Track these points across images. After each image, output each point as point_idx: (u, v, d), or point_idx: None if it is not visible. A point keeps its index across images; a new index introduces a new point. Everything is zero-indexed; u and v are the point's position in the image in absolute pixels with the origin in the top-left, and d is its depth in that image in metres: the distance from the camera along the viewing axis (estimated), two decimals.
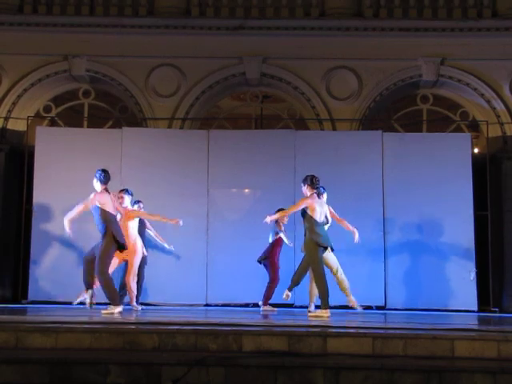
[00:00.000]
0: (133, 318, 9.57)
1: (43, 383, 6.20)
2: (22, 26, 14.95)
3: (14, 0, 15.22)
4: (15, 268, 13.32)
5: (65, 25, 14.95)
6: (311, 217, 9.92)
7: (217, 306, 12.21)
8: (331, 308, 11.46)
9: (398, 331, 8.16)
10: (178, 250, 12.71)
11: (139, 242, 11.01)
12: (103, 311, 9.88)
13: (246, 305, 11.46)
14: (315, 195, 10.11)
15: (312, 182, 10.10)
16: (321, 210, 10.07)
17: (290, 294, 10.49)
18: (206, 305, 12.71)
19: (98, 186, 10.22)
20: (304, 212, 10.06)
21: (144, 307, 11.58)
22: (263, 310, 11.30)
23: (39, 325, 8.09)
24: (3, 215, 13.89)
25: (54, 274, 13.00)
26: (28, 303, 12.93)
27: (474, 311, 12.88)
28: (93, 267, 10.12)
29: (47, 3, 15.17)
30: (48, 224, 13.34)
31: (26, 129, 14.87)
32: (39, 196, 13.55)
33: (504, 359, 6.96)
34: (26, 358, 6.70)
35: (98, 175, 10.25)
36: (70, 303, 12.32)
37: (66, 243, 13.08)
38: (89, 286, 10.57)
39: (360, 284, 12.82)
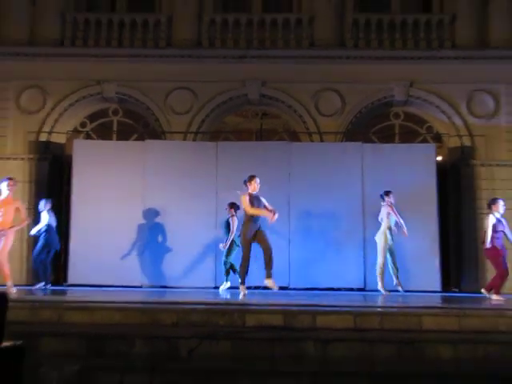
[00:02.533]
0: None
1: (81, 355, 6.22)
2: (62, 56, 14.94)
3: (56, 35, 15.22)
4: (56, 256, 13.28)
5: (98, 55, 14.93)
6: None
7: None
8: (321, 290, 11.50)
9: (375, 309, 8.20)
10: (191, 240, 12.70)
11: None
12: None
13: (249, 287, 11.41)
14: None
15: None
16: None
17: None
18: (215, 287, 12.68)
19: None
20: None
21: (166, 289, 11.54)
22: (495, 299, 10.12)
23: (77, 304, 8.16)
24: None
25: (89, 260, 13.01)
26: (67, 286, 12.94)
27: (438, 291, 12.88)
28: None
29: (83, 37, 15.19)
30: (84, 219, 13.36)
31: (65, 141, 14.88)
32: (76, 196, 13.59)
33: (464, 332, 7.00)
34: (67, 332, 6.76)
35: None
36: (103, 285, 12.38)
37: (99, 234, 13.10)
38: None
39: (344, 269, 12.91)
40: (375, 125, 15.36)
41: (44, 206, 12.28)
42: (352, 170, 13.47)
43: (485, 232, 10.42)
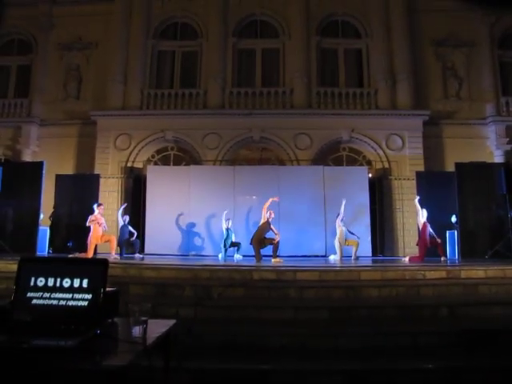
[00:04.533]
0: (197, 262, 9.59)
1: (153, 296, 6.24)
2: (141, 116, 15.07)
3: (137, 103, 15.31)
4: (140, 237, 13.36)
5: (162, 114, 15.03)
6: None
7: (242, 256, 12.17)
8: (299, 257, 11.46)
9: (331, 268, 8.20)
10: (218, 228, 12.65)
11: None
12: None
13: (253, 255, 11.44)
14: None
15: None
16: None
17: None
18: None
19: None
20: None
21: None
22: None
23: (150, 265, 8.18)
24: (133, 210, 13.91)
25: (157, 239, 13.06)
26: (144, 254, 12.96)
27: (369, 256, 12.90)
28: None
29: (153, 104, 15.29)
30: (153, 214, 13.40)
31: (142, 166, 14.95)
32: (149, 200, 13.64)
33: (384, 280, 7.05)
34: (144, 282, 6.80)
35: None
36: (165, 254, 12.38)
37: (162, 223, 13.13)
38: None
39: (312, 243, 12.92)
40: (331, 155, 15.38)
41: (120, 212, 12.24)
42: (317, 183, 13.46)
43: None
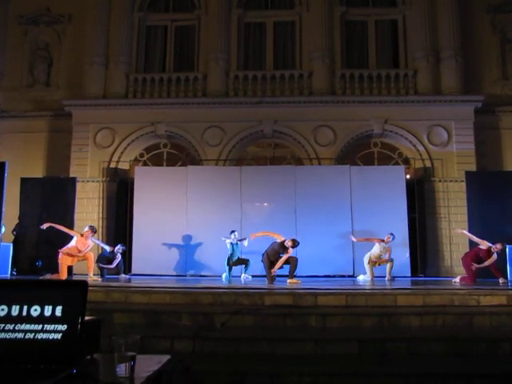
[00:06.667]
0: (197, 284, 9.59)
1: (142, 326, 6.24)
2: (126, 106, 15.12)
3: (121, 90, 15.38)
4: (126, 254, 13.33)
5: (152, 104, 15.12)
6: None
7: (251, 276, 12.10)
8: (321, 277, 11.41)
9: (361, 291, 8.16)
10: (221, 242, 12.66)
11: None
12: None
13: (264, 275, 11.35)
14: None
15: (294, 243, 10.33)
16: None
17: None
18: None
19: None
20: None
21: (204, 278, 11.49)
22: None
23: (138, 288, 8.20)
24: (117, 221, 14.03)
25: (146, 256, 13.07)
26: (131, 275, 12.97)
27: (408, 276, 12.81)
28: None
29: (141, 91, 15.36)
30: (142, 225, 13.43)
31: (129, 168, 15.00)
32: (136, 208, 13.72)
33: (426, 306, 7.03)
34: (131, 309, 6.81)
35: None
36: (157, 275, 12.39)
37: (153, 236, 13.15)
38: None
39: (338, 261, 12.86)
40: (359, 152, 15.30)
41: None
42: (342, 187, 13.44)
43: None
